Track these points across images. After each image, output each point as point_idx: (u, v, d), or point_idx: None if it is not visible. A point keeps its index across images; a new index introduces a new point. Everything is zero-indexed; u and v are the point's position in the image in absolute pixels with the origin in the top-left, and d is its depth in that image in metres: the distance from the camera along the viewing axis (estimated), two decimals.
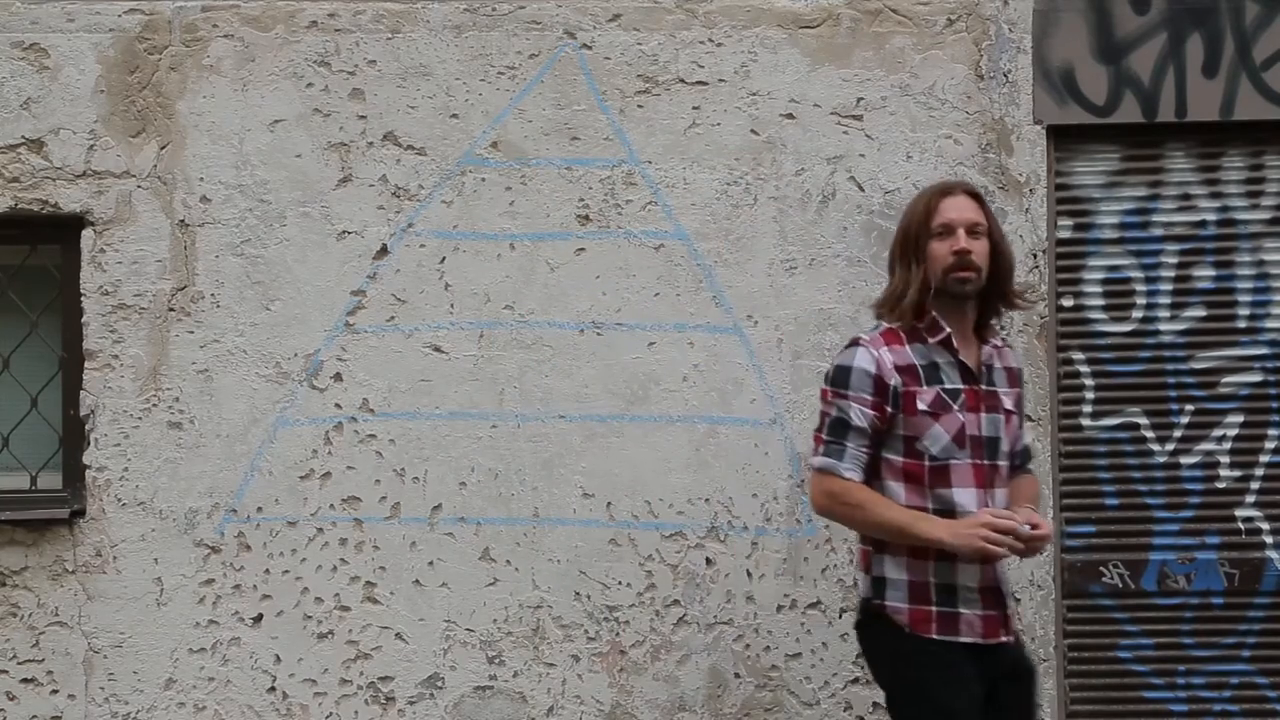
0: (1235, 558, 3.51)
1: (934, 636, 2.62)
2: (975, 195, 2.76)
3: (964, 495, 2.64)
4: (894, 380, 2.65)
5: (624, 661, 3.47)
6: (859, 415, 2.65)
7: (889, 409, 2.65)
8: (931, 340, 2.70)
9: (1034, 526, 2.60)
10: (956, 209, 2.69)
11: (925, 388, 2.65)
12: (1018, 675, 2.75)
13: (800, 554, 3.45)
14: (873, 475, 2.70)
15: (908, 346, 2.69)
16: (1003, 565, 2.71)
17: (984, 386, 2.70)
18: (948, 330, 2.69)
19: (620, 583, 3.46)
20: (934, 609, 2.63)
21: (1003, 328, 3.21)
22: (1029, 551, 2.66)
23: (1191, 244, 3.54)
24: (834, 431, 2.68)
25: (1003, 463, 2.71)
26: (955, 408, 2.65)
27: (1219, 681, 3.51)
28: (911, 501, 2.66)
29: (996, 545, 2.55)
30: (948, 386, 2.66)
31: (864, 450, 2.67)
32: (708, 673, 3.46)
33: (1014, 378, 2.81)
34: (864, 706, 3.44)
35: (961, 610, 2.63)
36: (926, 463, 2.65)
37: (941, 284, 2.67)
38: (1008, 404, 2.74)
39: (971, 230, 2.67)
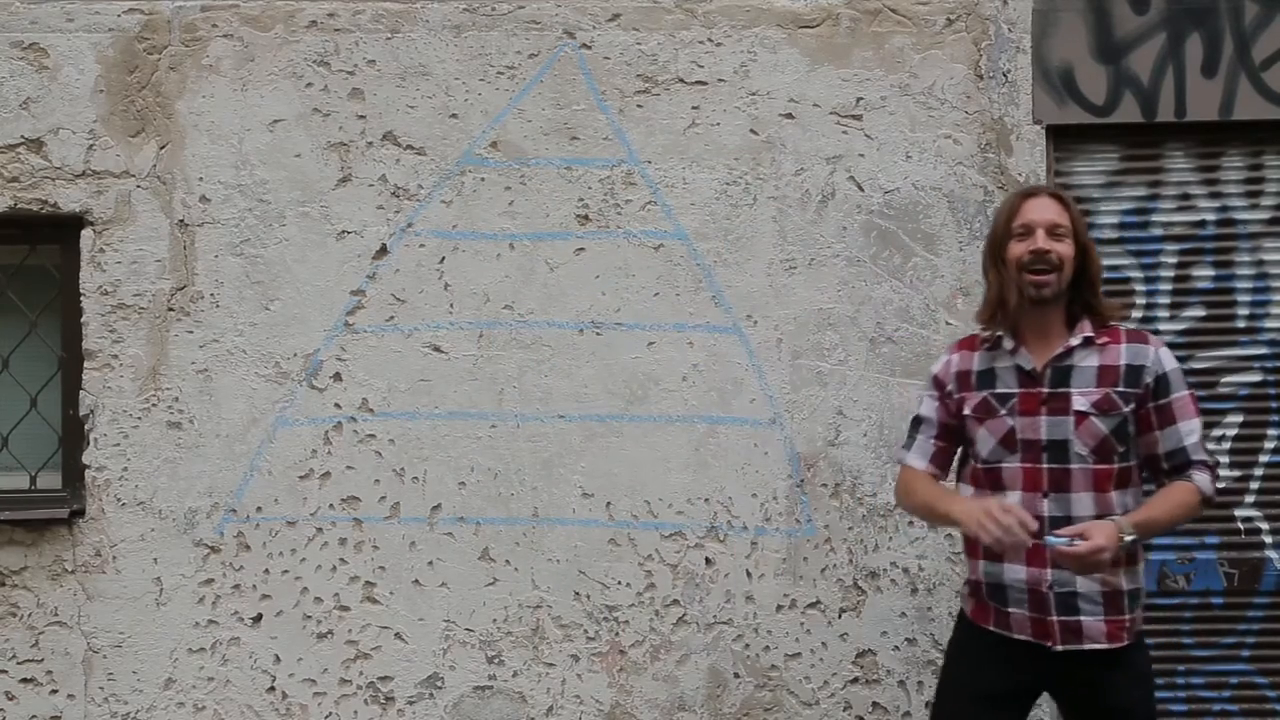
0: (1235, 558, 3.51)
1: (990, 628, 2.71)
2: (1060, 198, 2.70)
3: (1010, 498, 2.63)
4: (950, 384, 2.78)
5: (623, 661, 3.47)
6: (927, 407, 2.81)
7: (951, 405, 2.77)
8: (985, 347, 2.73)
9: (1079, 538, 2.48)
10: (1037, 210, 2.66)
11: (974, 393, 2.72)
12: (1085, 697, 2.64)
13: (800, 554, 3.45)
14: (956, 477, 2.84)
15: (976, 353, 2.76)
16: (1060, 573, 2.59)
17: (1047, 389, 2.64)
18: (997, 334, 2.70)
19: (620, 582, 3.46)
20: (991, 605, 2.71)
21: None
22: (1077, 567, 2.52)
23: (1191, 244, 3.54)
24: (912, 426, 2.86)
25: (1076, 465, 2.61)
26: (1003, 412, 2.66)
27: (1219, 681, 3.52)
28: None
29: (990, 530, 2.49)
30: (998, 391, 2.68)
31: (933, 441, 2.81)
32: (707, 672, 3.46)
33: (1110, 375, 2.63)
34: (864, 706, 3.44)
35: (1011, 610, 2.66)
36: (979, 465, 2.71)
37: (1019, 284, 2.65)
38: (1080, 404, 2.61)
39: (1052, 231, 2.64)
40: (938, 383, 2.79)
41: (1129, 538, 2.52)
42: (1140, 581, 2.66)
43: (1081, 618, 2.60)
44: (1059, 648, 2.61)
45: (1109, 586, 2.59)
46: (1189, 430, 2.64)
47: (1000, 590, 2.67)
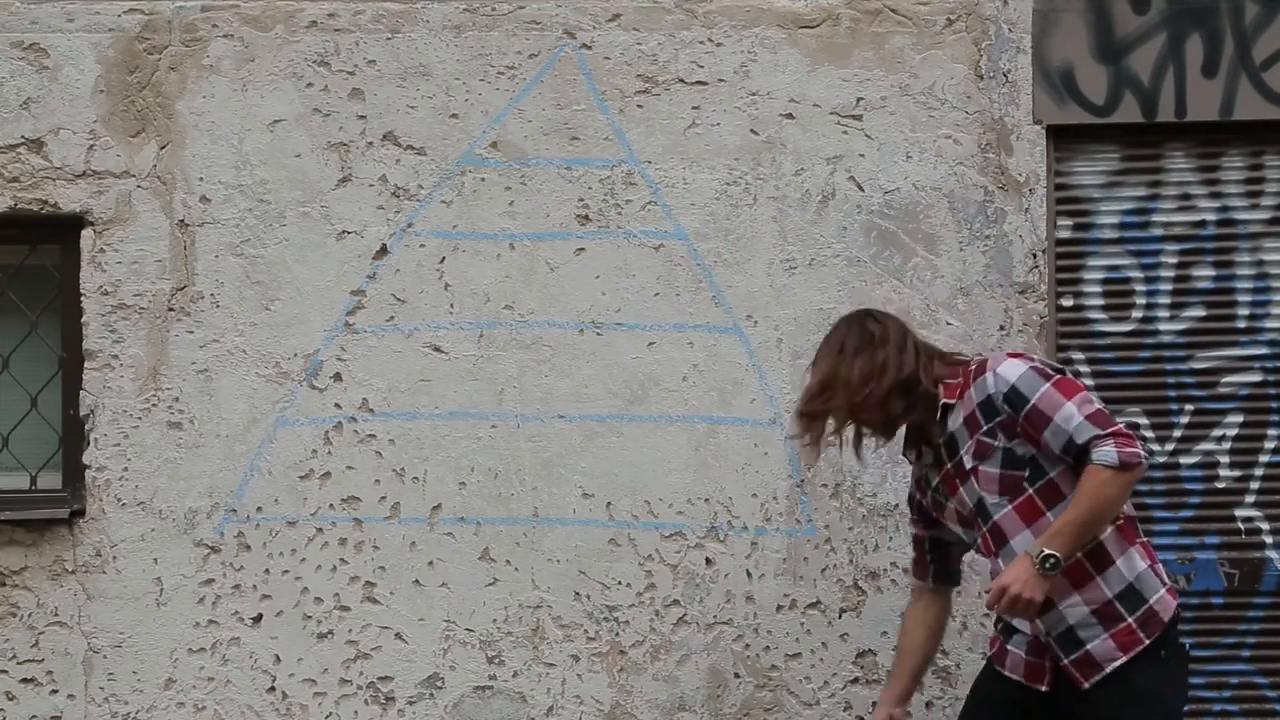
0: (1235, 558, 3.51)
1: (994, 664, 2.78)
2: (809, 390, 2.74)
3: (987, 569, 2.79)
4: (916, 494, 2.89)
5: (624, 661, 3.47)
6: (910, 526, 2.98)
7: (920, 514, 2.89)
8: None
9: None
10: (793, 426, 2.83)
11: (927, 497, 2.83)
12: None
13: (800, 554, 3.45)
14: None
15: (915, 465, 2.87)
16: (1045, 618, 2.58)
17: (950, 464, 2.71)
18: (902, 454, 2.88)
19: (620, 583, 3.46)
20: (1000, 639, 2.77)
21: (1001, 328, 3.41)
22: (1013, 615, 2.58)
23: (1191, 244, 3.54)
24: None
25: (999, 515, 2.63)
26: (944, 501, 2.77)
27: (1219, 681, 3.51)
28: None
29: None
30: (934, 484, 2.79)
31: (913, 553, 2.95)
32: (707, 673, 3.46)
33: (972, 422, 2.64)
34: (864, 706, 3.44)
35: (1010, 648, 2.72)
36: (973, 552, 2.84)
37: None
38: (968, 462, 2.65)
39: (810, 429, 2.72)
40: (909, 499, 2.93)
41: (1039, 556, 2.49)
42: (1129, 576, 2.59)
43: (1088, 646, 2.58)
44: (1086, 685, 2.58)
45: (1094, 604, 2.57)
46: (1065, 419, 2.54)
47: (1009, 628, 2.73)
